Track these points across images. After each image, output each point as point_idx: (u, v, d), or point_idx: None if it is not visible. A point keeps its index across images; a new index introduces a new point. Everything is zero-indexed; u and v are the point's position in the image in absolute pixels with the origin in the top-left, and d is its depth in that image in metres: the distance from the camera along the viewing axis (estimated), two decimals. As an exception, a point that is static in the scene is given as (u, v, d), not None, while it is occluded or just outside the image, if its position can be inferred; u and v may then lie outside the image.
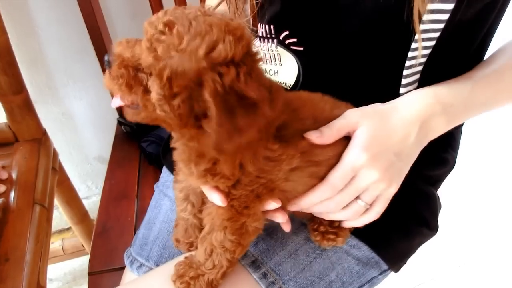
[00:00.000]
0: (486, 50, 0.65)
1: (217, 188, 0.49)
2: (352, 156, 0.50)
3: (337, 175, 0.50)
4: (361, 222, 0.56)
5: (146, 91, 0.41)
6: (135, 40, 0.43)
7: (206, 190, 0.50)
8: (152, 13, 1.04)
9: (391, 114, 0.53)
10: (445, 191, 0.77)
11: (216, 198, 0.49)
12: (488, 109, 0.60)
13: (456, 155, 0.74)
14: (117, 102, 0.45)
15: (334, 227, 0.60)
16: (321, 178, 0.52)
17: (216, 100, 0.37)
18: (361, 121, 0.51)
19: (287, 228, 0.57)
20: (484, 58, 0.64)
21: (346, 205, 0.53)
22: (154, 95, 0.40)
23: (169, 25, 0.39)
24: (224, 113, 0.38)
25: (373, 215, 0.55)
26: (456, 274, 1.44)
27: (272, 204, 0.50)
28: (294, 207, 0.54)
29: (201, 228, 0.59)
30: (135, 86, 0.41)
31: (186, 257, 0.58)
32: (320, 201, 0.52)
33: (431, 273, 1.44)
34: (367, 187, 0.52)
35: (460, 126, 0.72)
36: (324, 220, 0.60)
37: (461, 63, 0.61)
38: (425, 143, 0.55)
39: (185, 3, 1.05)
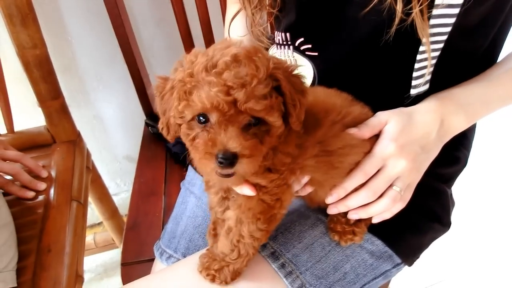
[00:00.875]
0: (500, 49, 0.67)
1: (246, 181, 0.52)
2: (381, 146, 0.57)
3: (367, 162, 0.57)
4: (393, 211, 0.60)
5: (267, 132, 0.46)
6: (218, 129, 0.44)
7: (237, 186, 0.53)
8: (176, 21, 1.10)
9: (414, 114, 0.59)
10: (463, 189, 0.78)
11: (247, 190, 0.52)
12: (507, 104, 0.64)
13: (469, 153, 0.75)
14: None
15: (351, 225, 0.63)
16: (334, 167, 0.56)
17: (285, 82, 0.45)
18: (390, 118, 0.58)
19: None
20: (499, 57, 0.67)
21: (383, 194, 0.58)
22: (276, 122, 0.45)
23: (243, 79, 0.42)
24: (290, 84, 0.46)
25: (402, 203, 0.60)
26: (476, 271, 1.43)
27: (305, 178, 0.56)
28: (332, 198, 0.59)
29: None
30: (262, 141, 0.46)
31: (208, 249, 0.62)
32: (356, 192, 0.58)
33: (450, 271, 1.44)
34: (398, 174, 0.57)
35: (474, 125, 0.74)
36: (342, 217, 0.63)
37: (472, 63, 0.63)
38: (446, 139, 0.61)
39: (207, 10, 1.10)
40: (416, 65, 0.59)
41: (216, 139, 0.43)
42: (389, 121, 0.58)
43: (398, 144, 0.56)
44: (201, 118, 0.45)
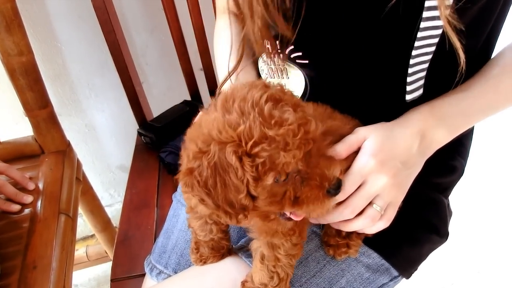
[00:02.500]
0: (493, 48, 0.65)
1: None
2: (360, 162, 0.54)
3: (347, 180, 0.54)
4: (375, 229, 0.57)
5: None
6: (313, 168, 0.42)
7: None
8: (169, 28, 1.08)
9: (394, 128, 0.57)
10: (461, 199, 0.77)
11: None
12: (490, 115, 0.62)
13: (465, 162, 0.74)
14: None
15: (343, 237, 0.61)
16: None
17: None
18: (369, 134, 0.55)
19: None
20: (492, 55, 0.65)
21: (362, 212, 0.55)
22: None
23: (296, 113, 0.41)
24: None
25: (385, 221, 0.57)
26: (476, 279, 1.43)
27: None
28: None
29: (226, 238, 0.62)
30: None
31: (244, 284, 0.59)
32: (335, 208, 0.55)
33: (450, 278, 1.43)
34: (377, 192, 0.54)
35: (471, 133, 0.73)
36: (333, 231, 0.61)
37: (468, 64, 0.61)
38: (429, 153, 0.59)
39: (200, 17, 1.08)
40: (410, 70, 0.57)
41: (324, 176, 0.41)
42: (368, 136, 0.55)
43: (378, 159, 0.54)
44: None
